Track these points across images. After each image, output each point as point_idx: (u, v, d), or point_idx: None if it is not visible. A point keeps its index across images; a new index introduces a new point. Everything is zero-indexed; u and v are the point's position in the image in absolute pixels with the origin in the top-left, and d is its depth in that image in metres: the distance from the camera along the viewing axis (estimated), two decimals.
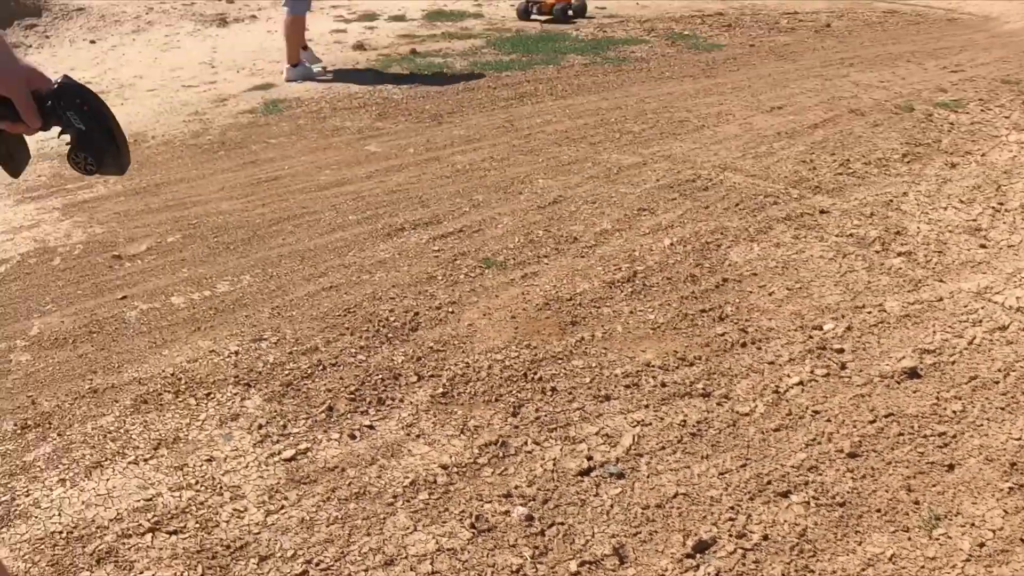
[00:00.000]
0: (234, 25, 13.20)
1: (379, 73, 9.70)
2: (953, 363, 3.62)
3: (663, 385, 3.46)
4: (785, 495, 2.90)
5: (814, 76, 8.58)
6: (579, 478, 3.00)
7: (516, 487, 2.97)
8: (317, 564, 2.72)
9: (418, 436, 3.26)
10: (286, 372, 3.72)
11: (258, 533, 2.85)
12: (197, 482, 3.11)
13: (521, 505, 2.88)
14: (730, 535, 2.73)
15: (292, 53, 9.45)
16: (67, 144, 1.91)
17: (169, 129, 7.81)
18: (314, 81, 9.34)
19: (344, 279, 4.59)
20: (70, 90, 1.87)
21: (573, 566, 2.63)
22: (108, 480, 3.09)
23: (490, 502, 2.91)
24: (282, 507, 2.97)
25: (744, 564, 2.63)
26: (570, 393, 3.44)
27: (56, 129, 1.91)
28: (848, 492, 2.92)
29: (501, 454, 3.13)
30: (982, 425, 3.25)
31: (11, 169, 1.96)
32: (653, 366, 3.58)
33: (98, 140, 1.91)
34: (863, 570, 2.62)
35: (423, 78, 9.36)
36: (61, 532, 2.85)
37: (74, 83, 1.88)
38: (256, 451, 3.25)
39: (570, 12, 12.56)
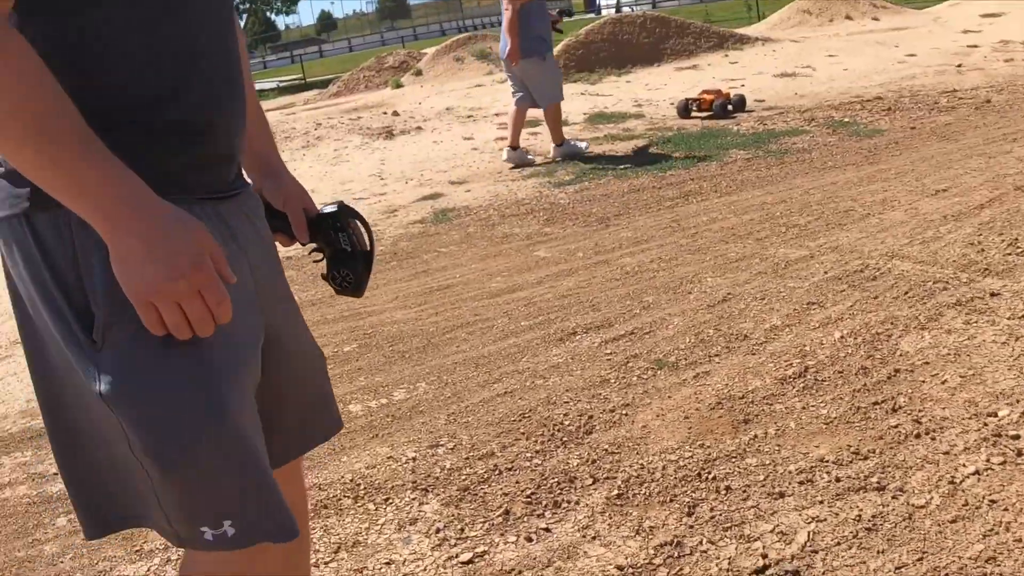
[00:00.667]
0: (400, 137, 13.62)
1: (546, 178, 9.91)
2: None
3: (837, 480, 3.47)
4: None
5: (977, 155, 8.47)
6: None
7: None
8: None
9: (594, 538, 3.34)
10: (463, 477, 3.84)
11: None
12: None
13: None
14: None
15: (557, 134, 10.75)
16: (320, 261, 2.16)
17: None
18: (578, 159, 10.50)
19: (518, 384, 4.71)
20: (348, 213, 2.12)
21: None
22: None
23: None
24: None
25: None
26: (744, 491, 3.48)
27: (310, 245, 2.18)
28: None
29: (676, 554, 3.18)
30: None
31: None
32: (827, 461, 3.60)
33: (361, 262, 2.15)
34: None
35: (589, 181, 9.53)
36: None
37: (351, 207, 2.14)
38: (434, 554, 3.36)
39: (729, 107, 12.64)
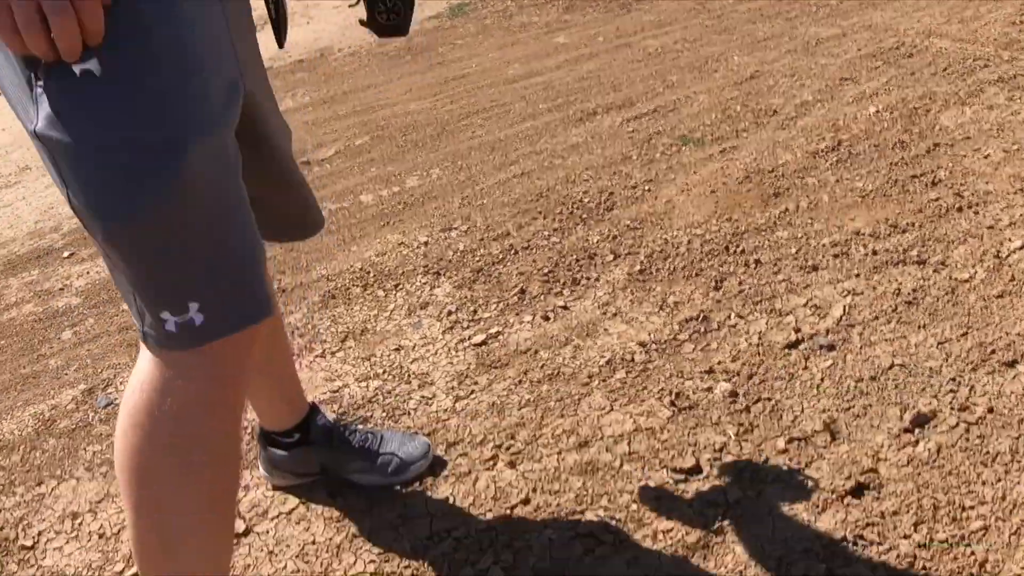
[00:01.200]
0: None
1: None
2: None
3: (874, 253, 3.24)
4: (1011, 365, 2.67)
5: None
6: (786, 351, 2.82)
7: (719, 363, 2.81)
8: (507, 448, 2.62)
9: (615, 315, 3.13)
10: (476, 259, 3.63)
11: (446, 419, 2.78)
12: (384, 371, 3.05)
13: (725, 381, 2.73)
14: (952, 408, 2.52)
15: None
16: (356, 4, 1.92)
17: (354, 42, 7.79)
18: None
19: (535, 165, 4.47)
20: None
21: (781, 443, 2.47)
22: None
23: (691, 379, 2.76)
24: (472, 392, 2.88)
25: (968, 439, 2.42)
26: (775, 265, 3.26)
27: None
28: None
29: (703, 329, 2.98)
30: None
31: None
32: (863, 234, 3.36)
33: None
34: None
35: None
36: (247, 428, 2.84)
37: None
38: (445, 338, 3.17)
39: None
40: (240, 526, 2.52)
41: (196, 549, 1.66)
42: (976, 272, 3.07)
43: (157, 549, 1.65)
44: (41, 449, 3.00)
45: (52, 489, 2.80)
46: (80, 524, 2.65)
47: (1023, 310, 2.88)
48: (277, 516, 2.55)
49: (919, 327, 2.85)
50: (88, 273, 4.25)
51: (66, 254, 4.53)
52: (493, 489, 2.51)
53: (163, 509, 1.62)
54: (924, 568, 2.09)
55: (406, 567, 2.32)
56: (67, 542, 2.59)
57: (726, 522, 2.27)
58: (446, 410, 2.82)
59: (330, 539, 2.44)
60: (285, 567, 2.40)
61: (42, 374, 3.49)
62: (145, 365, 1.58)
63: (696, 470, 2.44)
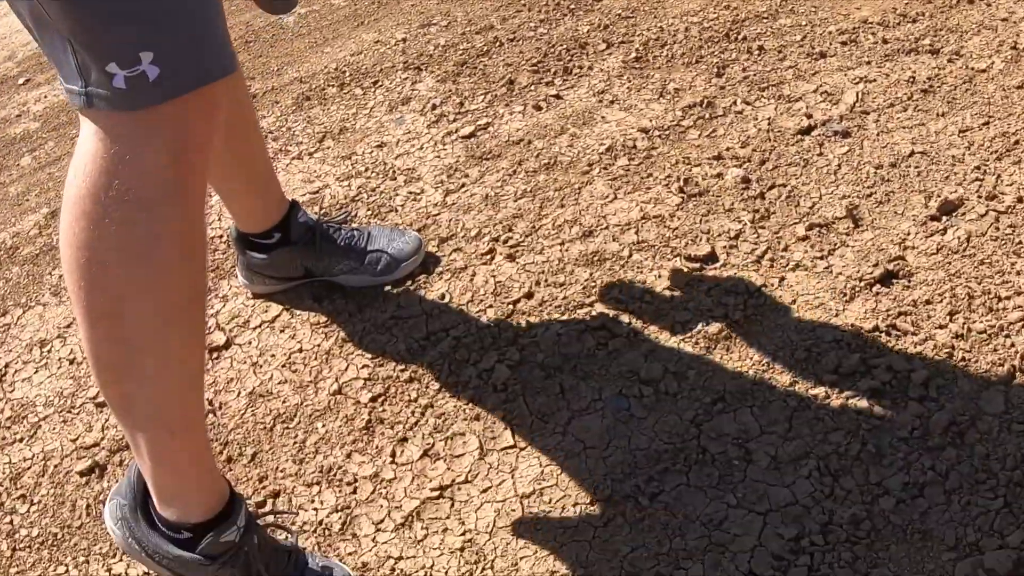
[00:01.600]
0: None
1: None
2: None
3: (884, 41, 3.05)
4: None
5: None
6: (799, 137, 2.65)
7: (728, 148, 2.64)
8: (505, 241, 2.46)
9: (612, 102, 2.94)
10: (460, 52, 3.42)
11: (437, 215, 2.61)
12: (367, 169, 2.88)
13: (736, 167, 2.56)
14: (979, 196, 2.37)
15: None
16: None
17: None
18: None
19: None
20: None
21: (801, 230, 2.32)
22: None
23: (699, 165, 2.59)
24: (463, 185, 2.71)
25: (998, 228, 2.27)
26: (780, 52, 3.06)
27: None
28: None
29: (708, 115, 2.80)
30: None
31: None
32: (871, 23, 3.16)
33: None
34: None
35: None
36: (222, 236, 2.67)
37: None
38: (431, 131, 2.98)
39: None
40: (220, 338, 2.37)
41: (160, 361, 1.45)
42: (994, 63, 2.90)
43: (115, 362, 1.45)
44: (4, 279, 2.82)
45: (18, 319, 2.64)
46: (49, 351, 2.51)
47: None
48: (259, 326, 2.40)
49: (938, 115, 2.68)
50: (46, 98, 4.04)
51: (21, 81, 4.31)
52: (492, 284, 2.35)
53: (119, 315, 1.40)
54: (963, 359, 1.97)
55: (402, 370, 2.18)
56: (36, 371, 2.45)
57: (748, 312, 2.13)
58: (436, 204, 2.65)
59: (318, 345, 2.29)
60: (271, 378, 2.26)
61: (2, 202, 3.29)
62: (88, 143, 1.35)
63: (712, 258, 2.29)
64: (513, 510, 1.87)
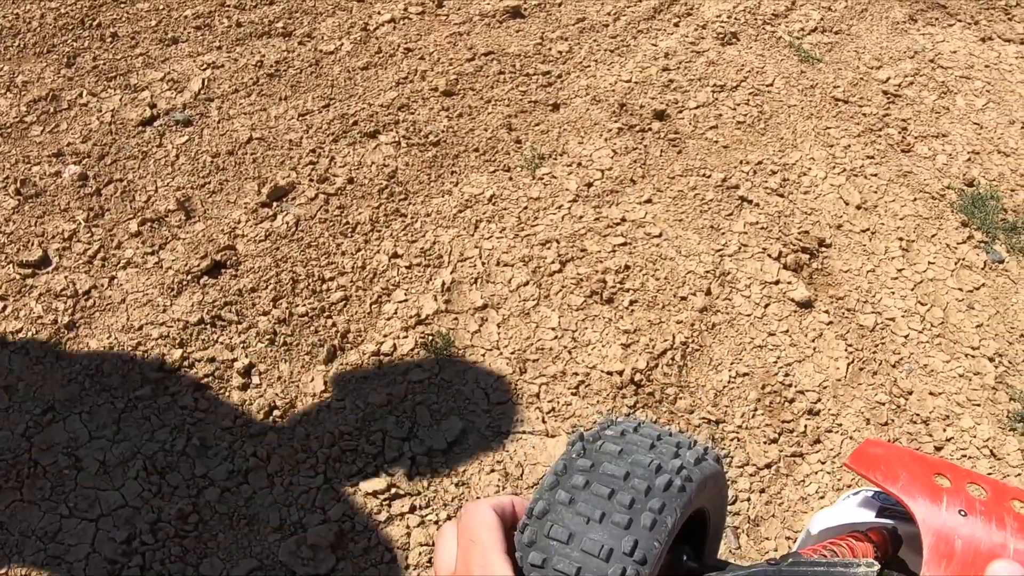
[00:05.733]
0: None
1: None
2: (559, 4, 3.43)
3: (239, 25, 3.09)
4: (373, 135, 2.66)
5: None
6: (140, 129, 2.64)
7: (69, 144, 2.59)
8: None
9: None
10: None
11: None
12: None
13: (74, 164, 2.51)
14: (311, 180, 2.47)
15: None
16: None
17: None
18: None
19: None
20: None
21: (133, 226, 2.32)
22: None
23: (38, 164, 2.52)
24: None
25: (327, 210, 2.38)
26: (133, 38, 3.02)
27: None
28: (443, 131, 2.71)
29: (52, 109, 2.72)
30: (589, 66, 3.09)
31: None
32: (228, 5, 3.19)
33: None
34: (460, 211, 2.45)
35: None
36: None
37: None
38: None
39: None
40: None
41: None
42: (342, 44, 3.02)
43: None
44: None
45: None
46: None
47: (387, 82, 2.87)
48: None
49: (280, 99, 2.76)
50: None
51: None
52: None
53: None
54: (285, 344, 2.05)
55: None
56: None
57: (76, 316, 2.10)
58: None
59: None
60: None
61: None
62: None
63: (44, 262, 2.24)
64: None
